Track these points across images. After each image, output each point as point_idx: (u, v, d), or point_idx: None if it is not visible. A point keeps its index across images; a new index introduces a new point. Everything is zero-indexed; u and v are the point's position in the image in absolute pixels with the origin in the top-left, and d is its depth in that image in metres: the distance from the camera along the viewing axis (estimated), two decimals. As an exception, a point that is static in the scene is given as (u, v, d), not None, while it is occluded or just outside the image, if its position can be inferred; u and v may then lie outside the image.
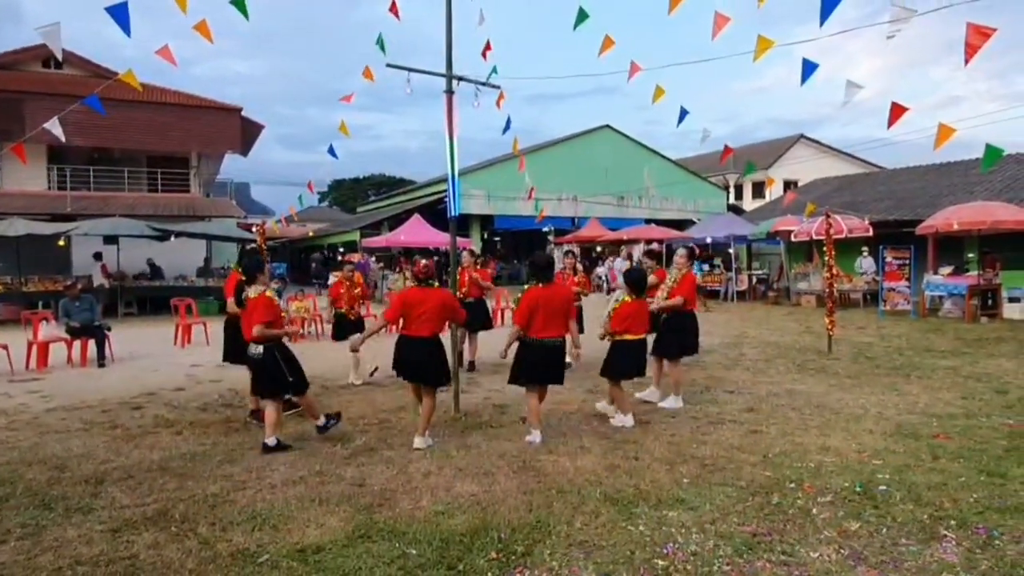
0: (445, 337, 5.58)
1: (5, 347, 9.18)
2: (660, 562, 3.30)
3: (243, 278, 5.50)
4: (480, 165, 30.29)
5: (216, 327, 8.34)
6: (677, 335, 6.71)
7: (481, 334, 9.18)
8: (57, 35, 4.95)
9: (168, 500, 4.22)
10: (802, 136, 39.05)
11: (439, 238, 20.92)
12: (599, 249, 28.10)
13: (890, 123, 5.33)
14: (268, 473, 4.72)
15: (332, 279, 13.45)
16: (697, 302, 7.45)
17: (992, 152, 5.11)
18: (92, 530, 3.77)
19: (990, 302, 14.05)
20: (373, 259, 23.61)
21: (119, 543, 3.60)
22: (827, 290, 10.57)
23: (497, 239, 33.05)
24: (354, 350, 6.08)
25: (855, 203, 21.27)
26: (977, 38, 4.40)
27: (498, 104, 7.59)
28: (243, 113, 24.05)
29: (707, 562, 3.30)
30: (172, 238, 18.48)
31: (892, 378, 7.91)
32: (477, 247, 25.41)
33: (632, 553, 3.40)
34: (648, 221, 27.92)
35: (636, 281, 5.99)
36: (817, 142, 39.22)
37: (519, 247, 33.64)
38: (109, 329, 10.23)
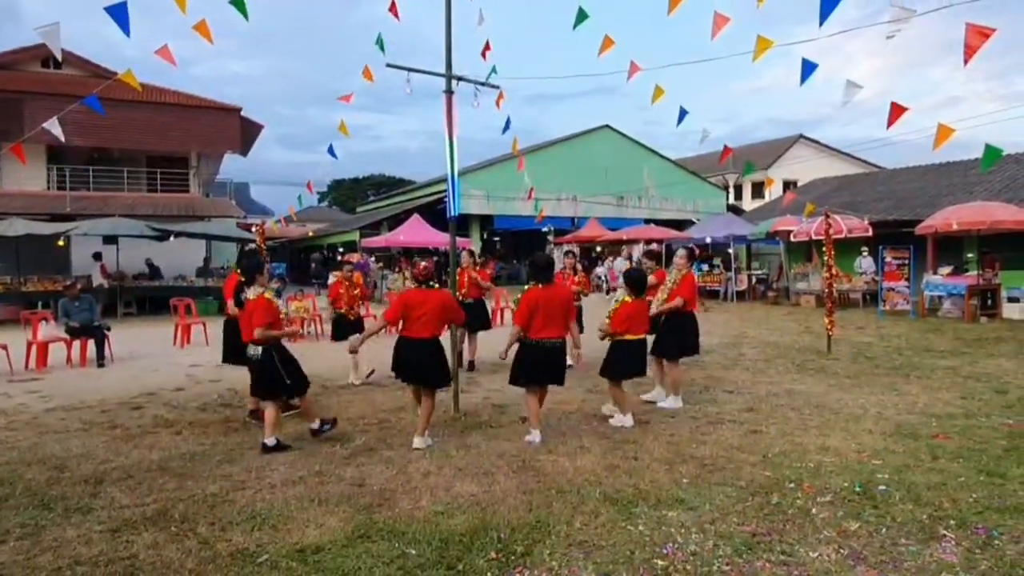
0: (444, 338, 5.57)
1: (4, 347, 9.17)
2: (660, 562, 3.30)
3: (242, 279, 5.49)
4: (480, 165, 30.29)
5: (215, 327, 8.35)
6: (677, 336, 6.71)
7: (481, 334, 9.18)
8: (56, 35, 4.95)
9: (167, 500, 4.22)
10: (801, 136, 39.06)
11: (438, 238, 20.92)
12: (598, 249, 28.11)
13: (889, 123, 5.34)
14: (267, 473, 4.72)
15: (332, 279, 13.44)
16: (696, 303, 7.45)
17: (991, 152, 5.12)
18: (91, 530, 3.77)
19: (989, 302, 14.06)
20: (372, 259, 23.60)
21: (118, 543, 3.60)
22: (826, 290, 10.57)
23: (497, 239, 33.04)
24: (353, 351, 6.08)
25: (854, 203, 21.28)
26: (976, 38, 4.40)
27: (498, 104, 7.59)
28: (243, 113, 24.04)
29: (706, 562, 3.30)
30: (171, 238, 18.48)
31: (891, 378, 7.92)
32: (477, 247, 25.41)
33: (632, 553, 3.40)
34: (648, 221, 27.92)
35: (636, 281, 5.99)
36: (816, 142, 39.24)
37: (519, 247, 33.64)
38: (108, 329, 10.23)
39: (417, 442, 5.27)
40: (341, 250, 27.85)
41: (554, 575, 3.22)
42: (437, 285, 5.52)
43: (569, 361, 5.82)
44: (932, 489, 4.22)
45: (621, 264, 20.92)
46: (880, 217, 18.69)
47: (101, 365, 9.68)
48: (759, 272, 22.06)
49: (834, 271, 10.73)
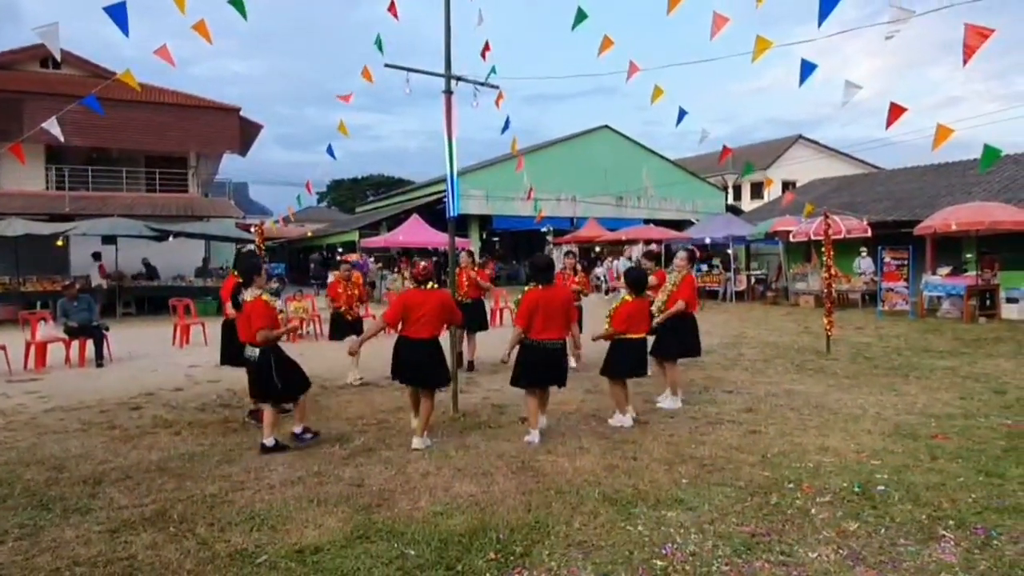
0: (443, 338, 5.57)
1: (3, 347, 9.16)
2: (659, 562, 3.30)
3: (240, 280, 5.48)
4: (479, 165, 30.28)
5: (214, 327, 8.34)
6: (677, 337, 6.71)
7: (480, 334, 9.18)
8: (55, 35, 4.94)
9: (166, 500, 4.21)
10: (800, 136, 39.10)
11: (438, 238, 20.92)
12: (597, 249, 28.12)
13: (889, 123, 5.34)
14: (266, 473, 4.71)
15: (331, 279, 13.45)
16: (697, 304, 7.45)
17: (990, 152, 5.13)
18: (90, 531, 3.76)
19: (988, 302, 14.07)
20: (372, 260, 23.60)
21: (117, 544, 3.59)
22: (825, 290, 10.58)
23: (496, 239, 33.05)
24: (352, 353, 6.07)
25: (853, 203, 21.29)
26: (975, 39, 4.40)
27: (497, 104, 7.60)
28: (241, 113, 24.04)
29: (706, 562, 3.30)
30: (170, 238, 18.48)
31: (890, 378, 7.92)
32: (476, 247, 25.42)
33: (631, 553, 3.40)
34: (647, 221, 27.93)
35: (636, 280, 5.99)
36: (815, 142, 39.28)
37: (518, 247, 33.64)
38: (107, 329, 10.22)
39: (416, 443, 5.26)
40: (340, 250, 27.85)
41: (553, 575, 3.22)
42: (436, 285, 5.52)
43: (572, 363, 5.81)
44: (931, 489, 4.22)
45: (623, 265, 20.92)
46: (879, 217, 18.70)
47: (100, 365, 9.67)
48: (758, 272, 22.07)
49: (833, 271, 10.74)
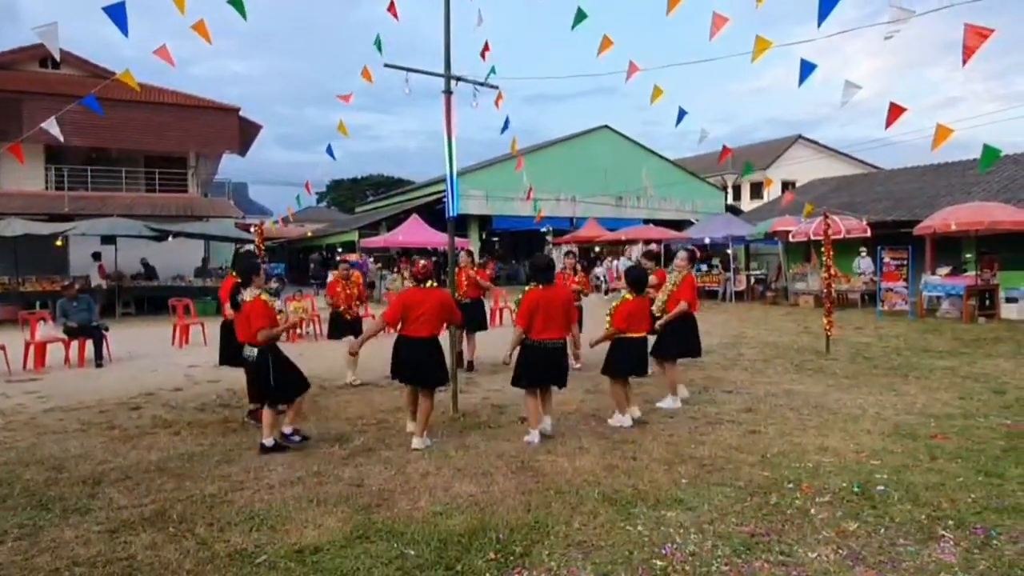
0: (443, 338, 5.57)
1: (3, 347, 9.16)
2: (658, 562, 3.30)
3: (238, 280, 5.48)
4: (478, 165, 30.29)
5: (214, 327, 8.33)
6: (678, 337, 6.71)
7: (480, 334, 9.18)
8: (54, 35, 4.94)
9: (166, 501, 4.21)
10: (800, 136, 39.12)
11: (437, 238, 20.92)
12: (597, 249, 28.12)
13: (888, 123, 5.35)
14: (266, 473, 4.71)
15: (331, 278, 13.43)
16: (697, 304, 7.46)
17: (990, 153, 5.13)
18: (89, 531, 3.76)
19: (988, 302, 14.08)
20: (371, 260, 23.60)
21: (116, 544, 3.59)
22: (825, 290, 10.58)
23: (495, 239, 33.05)
24: (353, 353, 6.06)
25: (853, 203, 21.30)
26: (975, 39, 4.41)
27: (497, 104, 7.60)
28: (241, 113, 24.03)
29: (705, 562, 3.30)
30: (170, 238, 18.47)
31: (890, 378, 7.93)
32: (475, 247, 25.43)
33: (630, 553, 3.40)
34: (646, 221, 27.94)
35: (637, 279, 5.98)
36: (815, 142, 39.30)
37: (517, 247, 33.65)
38: (107, 329, 10.21)
39: (416, 443, 5.26)
40: (340, 250, 27.86)
41: (553, 575, 3.22)
42: (435, 284, 5.51)
43: (576, 364, 5.79)
44: (930, 489, 4.22)
45: (624, 265, 20.93)
46: (878, 217, 18.71)
47: (99, 365, 9.67)
48: (758, 272, 22.08)
49: (832, 271, 10.74)
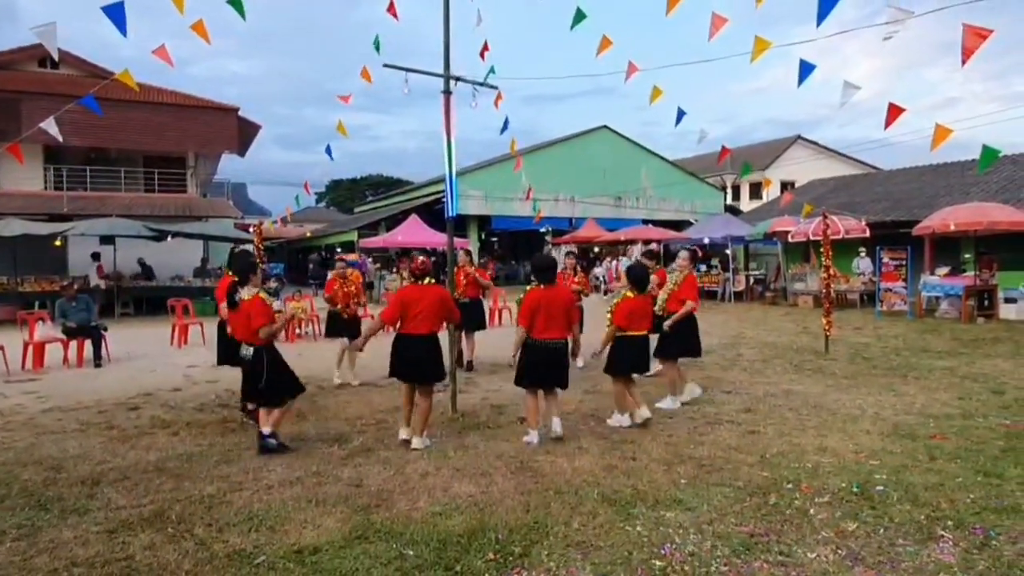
0: (443, 336, 5.56)
1: (1, 347, 9.16)
2: (658, 563, 3.30)
3: (235, 279, 5.47)
4: (478, 165, 30.30)
5: (213, 327, 8.33)
6: (678, 337, 6.72)
7: (479, 334, 9.18)
8: (53, 35, 4.94)
9: (164, 501, 4.21)
10: (799, 137, 39.14)
11: (436, 238, 20.90)
12: (596, 250, 28.13)
13: (887, 124, 5.36)
14: (265, 474, 4.71)
15: (330, 278, 13.41)
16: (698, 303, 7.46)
17: (989, 153, 5.13)
18: (88, 531, 3.76)
19: (986, 303, 14.09)
20: (370, 260, 23.60)
21: (115, 544, 3.59)
22: (824, 291, 10.59)
23: (495, 239, 33.06)
24: (358, 350, 6.02)
25: (852, 204, 21.32)
26: (974, 40, 4.41)
27: (496, 104, 7.61)
28: (240, 113, 24.03)
29: (704, 563, 3.30)
30: (169, 238, 18.46)
31: (889, 378, 7.93)
32: (475, 248, 25.44)
33: (630, 554, 3.40)
34: (645, 222, 27.94)
35: (638, 278, 5.97)
36: (814, 143, 39.32)
37: (517, 247, 33.67)
38: (105, 329, 10.20)
39: (416, 443, 5.26)
40: (339, 250, 27.86)
41: (552, 575, 3.23)
42: (433, 281, 5.51)
43: (580, 363, 5.75)
44: (930, 489, 4.22)
45: (627, 264, 20.91)
46: (877, 218, 18.73)
47: (98, 365, 9.66)
48: (757, 273, 22.09)
49: (832, 272, 10.75)
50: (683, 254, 7.09)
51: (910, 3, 4.64)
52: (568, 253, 9.95)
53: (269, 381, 5.20)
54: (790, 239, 18.00)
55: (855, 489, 4.23)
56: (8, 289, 16.36)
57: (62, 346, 9.82)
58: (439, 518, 3.87)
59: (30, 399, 7.45)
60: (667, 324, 6.63)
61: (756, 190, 37.59)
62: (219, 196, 27.95)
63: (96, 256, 17.99)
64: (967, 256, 16.50)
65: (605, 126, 30.59)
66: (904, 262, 15.68)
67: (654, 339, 6.53)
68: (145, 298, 18.20)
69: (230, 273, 5.99)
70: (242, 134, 24.70)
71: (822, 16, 4.81)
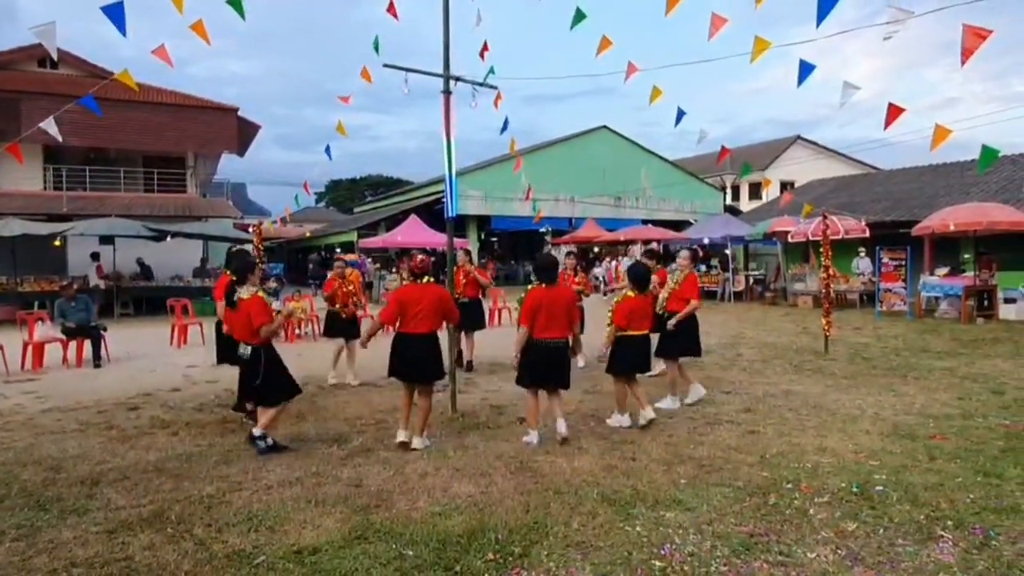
0: (442, 336, 5.55)
1: (1, 348, 9.15)
2: (657, 563, 3.30)
3: (233, 278, 5.46)
4: (477, 166, 30.30)
5: (212, 327, 8.33)
6: (679, 336, 6.72)
7: (479, 334, 9.18)
8: (52, 34, 4.94)
9: (164, 501, 4.20)
10: (799, 137, 39.15)
11: (436, 238, 20.90)
12: (596, 250, 28.12)
13: (887, 124, 5.36)
14: (264, 474, 4.70)
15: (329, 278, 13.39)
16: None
17: (988, 153, 5.13)
18: (87, 531, 3.75)
19: (986, 303, 14.09)
20: (369, 260, 23.60)
21: (114, 544, 3.58)
22: (824, 291, 10.59)
23: (494, 240, 33.05)
24: (362, 346, 6.01)
25: (852, 204, 21.32)
26: (973, 40, 4.41)
27: (496, 104, 7.61)
28: (240, 113, 24.01)
29: (704, 563, 3.30)
30: (168, 238, 18.45)
31: (888, 379, 7.93)
32: (474, 248, 25.45)
33: (629, 554, 3.40)
34: (645, 222, 27.96)
35: (639, 277, 5.96)
36: (814, 143, 39.33)
37: (516, 248, 33.67)
38: (105, 329, 10.20)
39: (415, 442, 5.25)
40: (338, 250, 27.86)
41: (552, 576, 3.22)
42: (432, 279, 5.50)
43: (580, 363, 5.75)
44: (929, 490, 4.22)
45: (628, 264, 20.90)
46: (877, 218, 18.73)
47: (97, 366, 9.65)
48: (756, 273, 22.09)
49: (831, 272, 10.74)
50: (684, 253, 7.11)
51: (910, 3, 4.64)
52: (569, 253, 9.95)
53: (265, 380, 5.19)
54: (790, 239, 18.00)
55: (855, 489, 4.23)
56: (7, 289, 16.35)
57: (61, 346, 9.81)
58: (439, 518, 3.87)
59: (29, 399, 7.45)
60: (671, 323, 6.63)
61: (756, 190, 37.59)
62: (219, 196, 27.95)
63: (95, 256, 17.98)
64: (967, 256, 16.51)
65: (605, 126, 30.60)
66: (904, 262, 15.68)
67: (654, 339, 6.54)
68: (144, 298, 18.19)
69: (228, 272, 5.99)
70: (241, 134, 24.69)
71: (822, 16, 4.81)
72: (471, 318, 8.75)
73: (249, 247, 11.55)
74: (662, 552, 3.41)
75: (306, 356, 9.80)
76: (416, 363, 5.31)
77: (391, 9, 7.10)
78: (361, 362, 8.22)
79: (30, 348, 9.49)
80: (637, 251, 20.93)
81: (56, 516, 3.98)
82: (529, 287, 5.55)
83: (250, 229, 13.80)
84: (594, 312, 9.44)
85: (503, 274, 28.65)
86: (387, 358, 5.43)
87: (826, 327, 9.96)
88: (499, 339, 9.95)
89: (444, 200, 6.84)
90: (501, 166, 27.24)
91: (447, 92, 6.43)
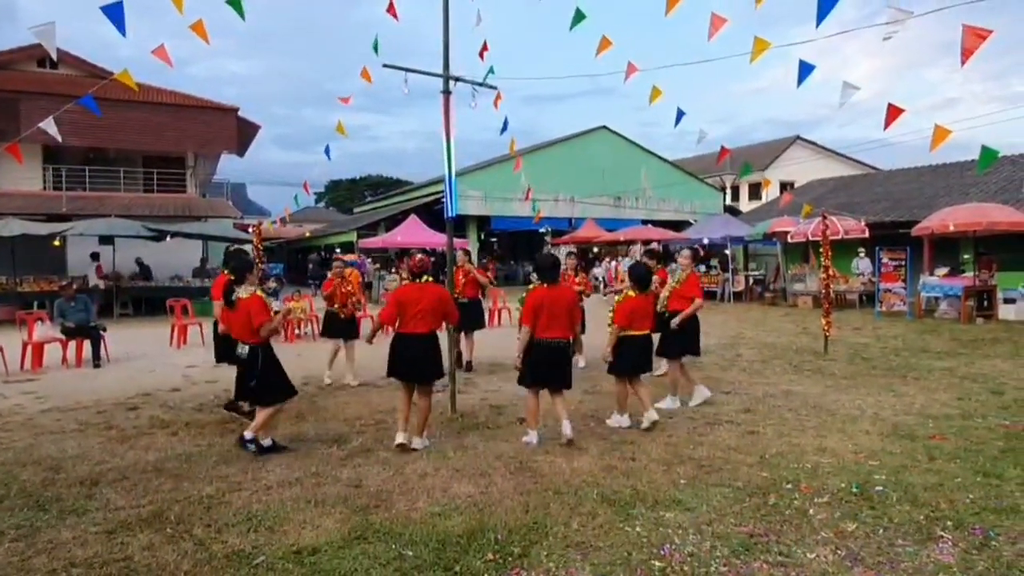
0: (442, 336, 5.55)
1: (0, 348, 9.14)
2: (657, 563, 3.30)
3: (232, 278, 5.46)
4: (477, 166, 30.30)
5: (211, 327, 8.33)
6: (679, 336, 6.72)
7: (478, 334, 9.18)
8: (52, 34, 4.93)
9: (163, 501, 4.20)
10: (799, 137, 39.15)
11: (436, 239, 20.90)
12: (596, 250, 28.12)
13: (886, 124, 5.36)
14: (264, 474, 4.70)
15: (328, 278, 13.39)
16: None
17: (988, 154, 5.14)
18: (87, 532, 3.75)
19: (986, 303, 14.09)
20: (369, 260, 23.59)
21: (114, 545, 3.58)
22: (823, 291, 10.59)
23: (494, 240, 33.05)
24: (368, 342, 6.00)
25: (851, 204, 21.33)
26: (973, 40, 4.41)
27: (495, 105, 7.61)
28: (239, 113, 24.01)
29: (704, 563, 3.29)
30: (168, 238, 18.44)
31: (888, 379, 7.93)
32: (474, 248, 25.45)
33: (629, 554, 3.40)
34: (645, 222, 27.96)
35: (640, 277, 5.95)
36: (813, 143, 39.34)
37: (516, 248, 33.67)
38: (104, 329, 10.19)
39: (415, 443, 5.25)
40: (338, 251, 27.86)
41: (551, 576, 3.22)
42: (431, 279, 5.50)
43: (581, 363, 5.74)
44: (929, 490, 4.22)
45: (629, 264, 20.89)
46: (877, 218, 18.74)
47: (97, 366, 9.64)
48: (756, 273, 22.10)
49: (831, 272, 10.74)
50: (685, 253, 7.11)
51: (910, 3, 4.64)
52: (569, 253, 9.95)
53: (261, 380, 5.18)
54: (789, 239, 18.00)
55: (854, 489, 4.23)
56: (7, 289, 16.34)
57: (61, 346, 9.81)
58: (438, 518, 3.86)
59: (29, 399, 7.44)
60: (675, 322, 6.62)
61: (755, 190, 37.59)
62: (218, 196, 27.92)
63: (95, 256, 17.97)
64: (966, 257, 16.51)
65: (604, 126, 30.61)
66: (903, 262, 15.69)
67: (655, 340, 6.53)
68: (144, 298, 18.17)
69: (226, 272, 5.97)
70: (241, 134, 24.69)
71: (822, 16, 4.81)
72: (471, 318, 8.74)
73: (249, 247, 11.55)
74: (662, 552, 3.41)
75: (305, 356, 9.80)
76: (415, 363, 5.30)
77: (391, 9, 7.10)
78: (360, 362, 8.22)
79: (29, 348, 9.48)
80: (637, 251, 20.94)
81: (55, 516, 3.98)
82: (530, 287, 5.55)
83: (250, 229, 13.81)
84: (594, 312, 9.44)
85: (503, 274, 28.64)
86: (386, 358, 5.43)
87: (826, 327, 9.96)
88: (499, 339, 9.96)
89: (444, 200, 6.84)
90: (501, 166, 27.24)
91: (447, 92, 6.42)
